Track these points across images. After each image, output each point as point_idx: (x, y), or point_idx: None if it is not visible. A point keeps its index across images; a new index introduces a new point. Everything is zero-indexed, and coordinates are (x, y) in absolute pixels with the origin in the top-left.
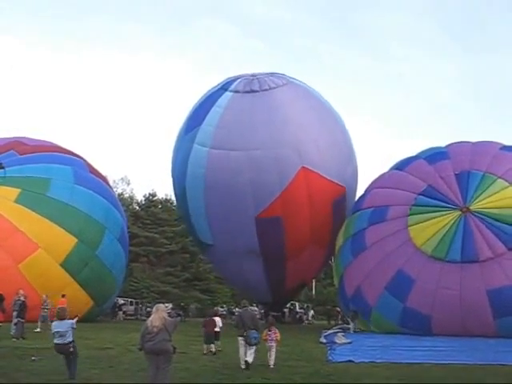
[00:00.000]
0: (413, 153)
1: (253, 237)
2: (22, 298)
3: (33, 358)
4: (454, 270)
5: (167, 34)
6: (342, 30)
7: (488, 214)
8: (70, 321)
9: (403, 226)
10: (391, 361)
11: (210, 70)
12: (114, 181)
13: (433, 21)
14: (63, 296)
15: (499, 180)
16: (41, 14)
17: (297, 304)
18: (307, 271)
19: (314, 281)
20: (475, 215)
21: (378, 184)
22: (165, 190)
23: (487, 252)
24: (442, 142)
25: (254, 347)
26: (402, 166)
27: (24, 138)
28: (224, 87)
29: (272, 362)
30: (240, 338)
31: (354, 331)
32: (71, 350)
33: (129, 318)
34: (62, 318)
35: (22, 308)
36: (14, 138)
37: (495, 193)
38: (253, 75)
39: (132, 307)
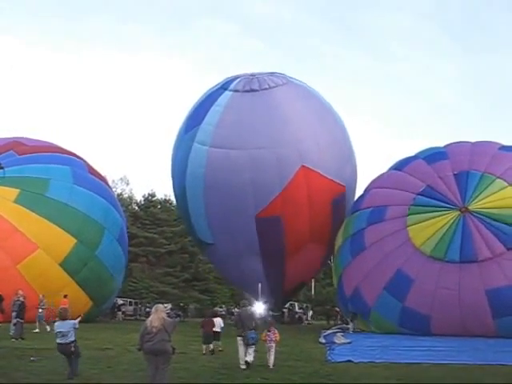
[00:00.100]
0: (412, 153)
1: (253, 236)
2: (21, 299)
3: (32, 358)
4: (453, 270)
5: (167, 34)
6: (342, 29)
7: (487, 213)
8: (72, 321)
9: (402, 226)
10: (390, 361)
11: (209, 70)
12: (113, 181)
13: (433, 21)
14: (65, 296)
15: (498, 180)
16: (41, 14)
17: (296, 304)
18: (306, 270)
19: (313, 281)
20: (474, 215)
21: (376, 184)
22: (164, 190)
23: (486, 252)
24: (441, 141)
25: (253, 347)
26: (400, 166)
27: (23, 138)
28: (224, 86)
29: (271, 363)
30: (239, 338)
31: (354, 331)
32: (72, 349)
33: (128, 318)
34: (64, 319)
35: (21, 308)
36: (13, 138)
37: (494, 193)
38: (252, 75)
39: (131, 307)
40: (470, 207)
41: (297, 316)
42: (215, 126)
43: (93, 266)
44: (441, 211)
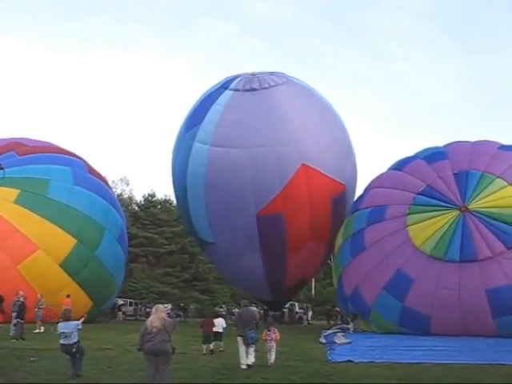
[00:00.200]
0: (412, 153)
1: (253, 234)
2: (21, 299)
3: (31, 358)
4: (453, 270)
5: (167, 34)
6: (342, 29)
7: (487, 213)
8: (76, 322)
9: (402, 225)
10: (391, 361)
11: (209, 70)
12: (114, 181)
13: (433, 21)
14: (68, 296)
15: (498, 179)
16: (41, 14)
17: (296, 304)
18: (307, 269)
19: (313, 281)
20: (474, 214)
21: (376, 184)
22: (164, 190)
23: (486, 251)
24: (441, 141)
25: (254, 347)
26: (400, 165)
27: (23, 138)
28: (224, 86)
29: (272, 361)
30: (239, 338)
31: (354, 331)
32: (74, 350)
33: (128, 318)
34: (67, 319)
35: (22, 309)
36: (13, 138)
37: (494, 192)
38: (252, 74)
39: (131, 308)
40: (469, 207)
41: (297, 316)
42: (216, 125)
43: (93, 267)
44: (441, 211)
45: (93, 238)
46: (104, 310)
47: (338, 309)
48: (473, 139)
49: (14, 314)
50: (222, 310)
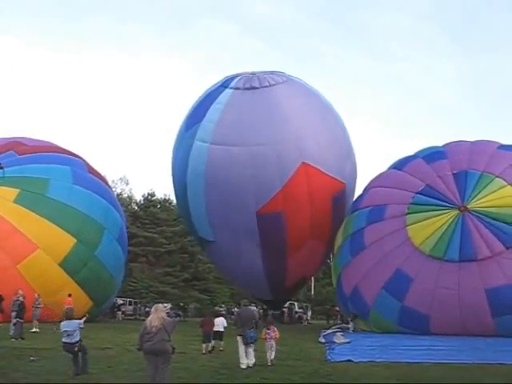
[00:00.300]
0: (411, 152)
1: (254, 232)
2: (20, 299)
3: (31, 358)
4: (453, 270)
5: (167, 34)
6: (342, 29)
7: (486, 212)
8: (78, 321)
9: (402, 225)
10: (390, 360)
11: (209, 70)
12: (113, 181)
13: (433, 21)
14: (69, 295)
15: (497, 179)
16: (41, 14)
17: (296, 304)
18: (307, 267)
19: (312, 280)
20: (473, 214)
21: (376, 183)
22: (164, 189)
23: (485, 251)
24: (441, 141)
25: (253, 346)
26: (400, 165)
27: (23, 138)
28: (224, 85)
29: (272, 357)
30: (239, 338)
31: (354, 331)
32: (75, 349)
33: (128, 318)
34: (70, 318)
35: (21, 308)
36: (13, 138)
37: (493, 192)
38: (252, 73)
39: (131, 307)
40: (469, 206)
41: (296, 316)
42: (216, 124)
43: (92, 266)
44: (440, 210)
45: (92, 237)
46: (103, 310)
47: (337, 308)
48: (473, 139)
49: (14, 314)
50: (221, 309)
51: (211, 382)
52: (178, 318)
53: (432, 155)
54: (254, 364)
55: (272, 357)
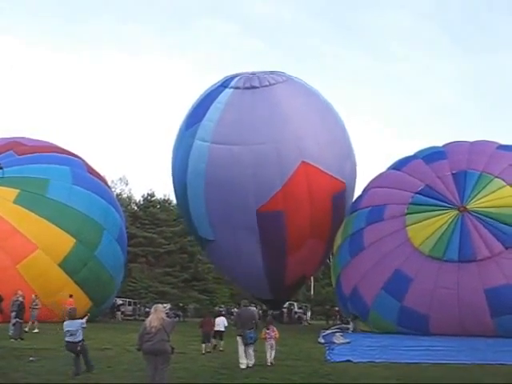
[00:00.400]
0: (411, 152)
1: (254, 231)
2: (20, 299)
3: (31, 358)
4: (452, 270)
5: (167, 34)
6: (342, 29)
7: (485, 213)
8: (80, 320)
9: (401, 225)
10: (390, 361)
11: (209, 70)
12: (113, 181)
13: (433, 21)
14: (71, 296)
15: (496, 179)
16: (41, 14)
17: (295, 304)
18: (307, 266)
19: (312, 281)
20: (472, 214)
21: (375, 184)
22: (163, 190)
23: (484, 251)
24: (441, 141)
25: (253, 347)
26: (399, 165)
27: (23, 138)
28: (224, 84)
29: (273, 356)
30: (239, 338)
31: (353, 331)
32: (78, 348)
33: (127, 318)
34: (73, 318)
35: (21, 308)
36: (12, 138)
37: (492, 192)
38: (252, 73)
39: (130, 307)
40: (468, 206)
41: (296, 316)
42: (216, 123)
43: (92, 266)
44: (439, 210)
45: (92, 237)
46: (103, 310)
47: (337, 308)
48: (473, 139)
49: (13, 314)
50: (222, 309)
51: (211, 382)
52: (178, 318)
53: (431, 155)
54: (254, 364)
55: (272, 356)
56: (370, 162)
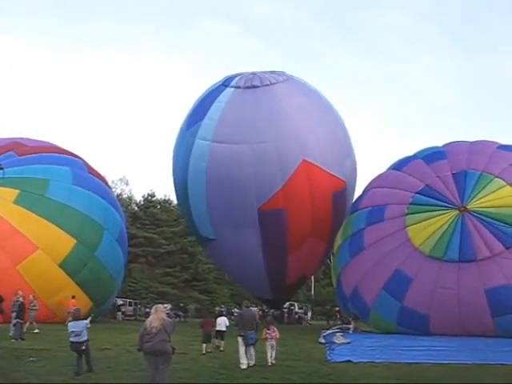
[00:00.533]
0: (411, 152)
1: (255, 229)
2: (20, 299)
3: (31, 358)
4: (452, 270)
5: (167, 34)
6: (342, 29)
7: (485, 213)
8: (85, 321)
9: (401, 226)
10: (390, 361)
11: (209, 70)
12: (113, 181)
13: (433, 21)
14: (73, 297)
15: (496, 179)
16: (41, 14)
17: (296, 304)
18: (308, 265)
19: (312, 281)
20: (473, 214)
21: (375, 184)
22: (164, 190)
23: (485, 251)
24: (441, 141)
25: (253, 347)
26: (399, 165)
27: (23, 138)
28: (225, 84)
29: (273, 356)
30: (240, 338)
31: (354, 331)
32: (83, 347)
33: (128, 318)
34: (77, 319)
35: (21, 309)
36: (13, 139)
37: (492, 192)
38: (253, 73)
39: (131, 308)
40: (468, 206)
41: (296, 316)
42: (217, 122)
43: (92, 267)
44: (439, 210)
45: (92, 238)
46: (103, 310)
47: (337, 309)
48: (473, 139)
49: (14, 314)
50: (222, 309)
51: (211, 382)
52: (178, 318)
53: (431, 155)
54: (254, 364)
55: (272, 356)
56: (370, 162)
